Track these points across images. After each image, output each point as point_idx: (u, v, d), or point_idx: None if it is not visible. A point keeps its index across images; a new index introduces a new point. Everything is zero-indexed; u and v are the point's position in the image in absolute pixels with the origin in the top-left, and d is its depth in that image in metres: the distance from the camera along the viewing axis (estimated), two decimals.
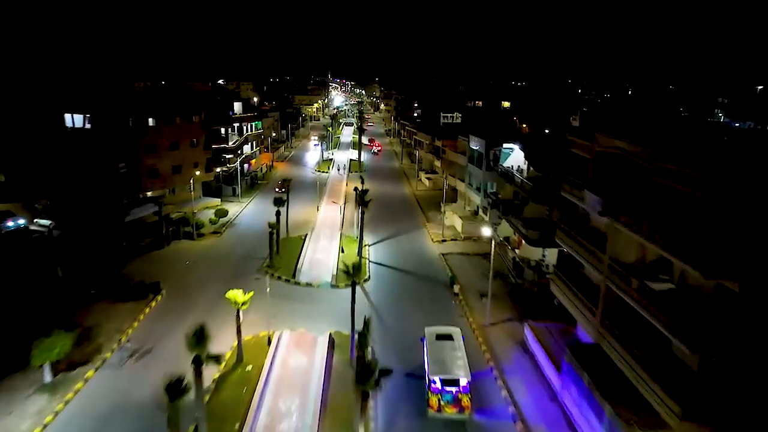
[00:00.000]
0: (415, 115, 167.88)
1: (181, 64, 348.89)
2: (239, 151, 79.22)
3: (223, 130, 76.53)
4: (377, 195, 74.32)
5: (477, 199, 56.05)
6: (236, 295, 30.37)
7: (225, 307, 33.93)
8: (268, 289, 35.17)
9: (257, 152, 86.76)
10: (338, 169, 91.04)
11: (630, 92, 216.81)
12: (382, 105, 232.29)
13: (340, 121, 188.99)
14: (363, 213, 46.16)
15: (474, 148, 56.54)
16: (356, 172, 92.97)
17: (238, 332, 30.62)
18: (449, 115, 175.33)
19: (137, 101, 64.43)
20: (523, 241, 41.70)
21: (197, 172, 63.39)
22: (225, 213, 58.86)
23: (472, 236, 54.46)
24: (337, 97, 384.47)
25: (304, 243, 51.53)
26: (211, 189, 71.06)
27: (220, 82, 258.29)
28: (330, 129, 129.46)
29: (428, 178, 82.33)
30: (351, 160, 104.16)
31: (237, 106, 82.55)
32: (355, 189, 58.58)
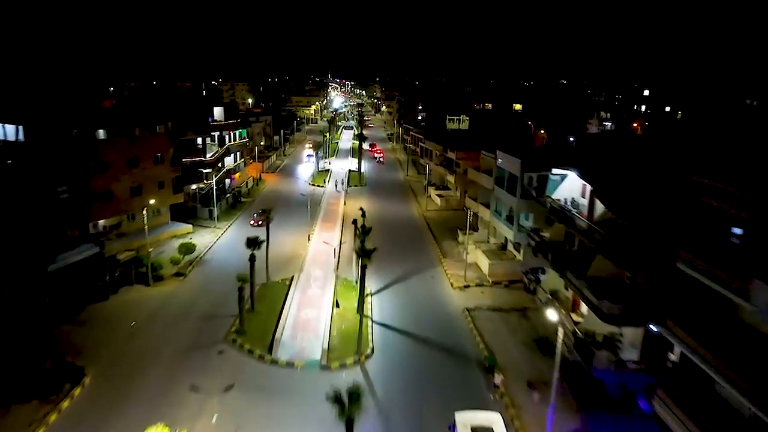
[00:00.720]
0: (420, 118, 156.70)
1: (176, 64, 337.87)
2: (219, 165, 67.92)
3: (200, 141, 65.16)
4: (381, 217, 63.00)
5: (507, 232, 44.62)
6: None
7: (172, 407, 22.93)
8: (214, 419, 24.15)
9: (242, 164, 75.33)
10: (336, 185, 79.20)
11: (646, 93, 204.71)
12: (384, 107, 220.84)
13: (339, 124, 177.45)
14: (364, 267, 34.43)
15: (503, 168, 45.12)
16: (356, 185, 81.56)
17: None
18: (455, 117, 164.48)
19: (89, 109, 53.06)
20: (584, 305, 30.37)
21: (163, 195, 52.03)
22: (192, 249, 47.36)
23: (502, 281, 43.11)
24: (337, 98, 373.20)
25: (288, 293, 40.09)
26: (186, 210, 59.71)
27: (215, 82, 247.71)
28: (327, 134, 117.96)
29: (439, 196, 70.90)
30: (350, 171, 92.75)
31: (218, 112, 71.15)
32: (354, 222, 47.32)
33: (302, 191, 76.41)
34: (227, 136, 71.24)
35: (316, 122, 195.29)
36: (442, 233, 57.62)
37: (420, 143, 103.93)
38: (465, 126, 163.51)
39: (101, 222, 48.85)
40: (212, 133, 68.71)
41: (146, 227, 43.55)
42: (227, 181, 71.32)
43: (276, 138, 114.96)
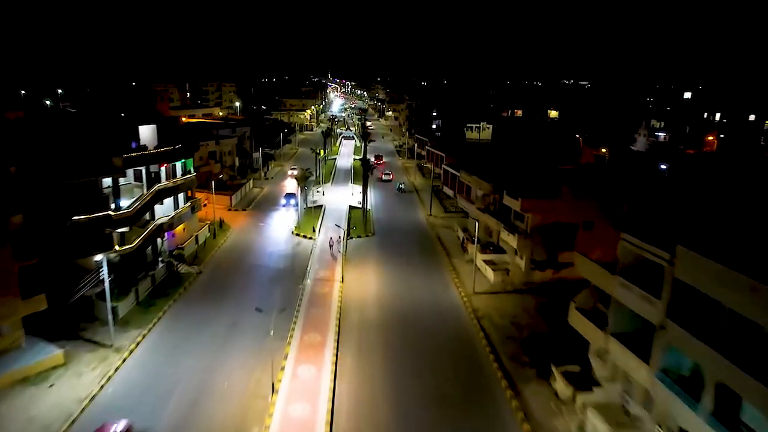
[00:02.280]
0: (434, 127, 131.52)
1: (165, 63, 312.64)
2: (147, 217, 42.99)
3: (108, 183, 40.23)
4: (400, 311, 37.66)
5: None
6: None
7: None
8: None
9: (189, 209, 50.14)
10: (330, 243, 52.29)
11: (687, 96, 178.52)
12: (389, 111, 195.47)
13: (338, 130, 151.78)
14: None
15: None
16: (360, 236, 56.31)
17: None
18: (475, 125, 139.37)
19: None
20: None
21: None
22: None
23: None
24: (336, 100, 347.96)
25: None
26: (74, 309, 34.59)
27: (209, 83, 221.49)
28: (321, 152, 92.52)
29: (491, 264, 45.67)
30: (351, 207, 67.55)
31: (146, 134, 46.08)
32: None
33: (279, 249, 51.15)
34: (162, 171, 46.16)
35: (312, 129, 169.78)
36: (516, 355, 32.50)
37: (442, 165, 78.81)
38: (486, 135, 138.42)
39: None
40: (136, 168, 43.73)
41: None
42: (161, 241, 46.28)
43: (258, 155, 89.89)
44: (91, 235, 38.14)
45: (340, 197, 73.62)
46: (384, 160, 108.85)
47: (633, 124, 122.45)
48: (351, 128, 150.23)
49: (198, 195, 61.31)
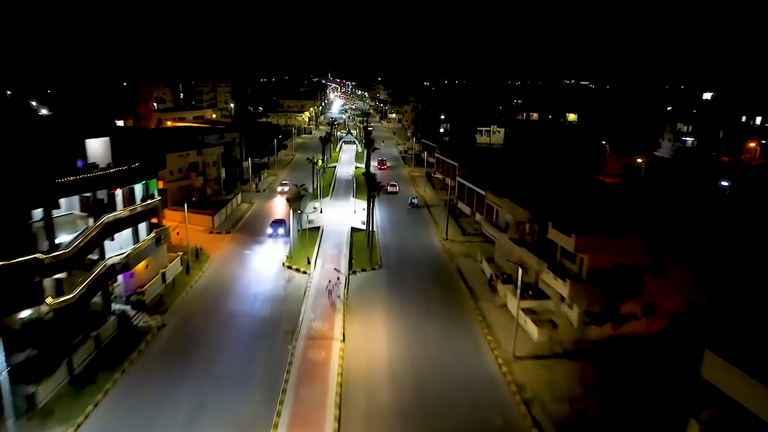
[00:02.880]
0: (442, 131, 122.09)
1: (161, 62, 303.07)
2: (92, 258, 33.56)
3: (39, 214, 30.83)
4: (418, 391, 27.27)
5: None
6: None
7: None
8: None
9: (152, 243, 40.53)
10: (329, 289, 41.01)
11: (707, 97, 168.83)
12: (393, 113, 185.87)
13: (338, 134, 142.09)
14: None
15: None
16: (364, 269, 46.71)
17: None
18: (485, 129, 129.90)
19: None
20: None
21: None
22: None
23: None
24: (337, 100, 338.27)
25: None
26: None
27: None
28: (319, 161, 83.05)
29: (530, 311, 36.10)
30: (354, 229, 58.03)
31: (96, 148, 36.54)
32: None
33: (265, 289, 41.34)
34: (119, 195, 36.62)
35: (310, 132, 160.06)
36: None
37: (458, 177, 69.50)
38: (497, 140, 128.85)
39: None
40: (80, 194, 34.24)
41: None
42: (115, 284, 36.83)
43: (248, 164, 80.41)
44: (12, 285, 28.79)
45: (341, 216, 64.08)
46: (388, 164, 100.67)
47: (656, 128, 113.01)
48: (352, 132, 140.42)
49: (173, 216, 52.29)
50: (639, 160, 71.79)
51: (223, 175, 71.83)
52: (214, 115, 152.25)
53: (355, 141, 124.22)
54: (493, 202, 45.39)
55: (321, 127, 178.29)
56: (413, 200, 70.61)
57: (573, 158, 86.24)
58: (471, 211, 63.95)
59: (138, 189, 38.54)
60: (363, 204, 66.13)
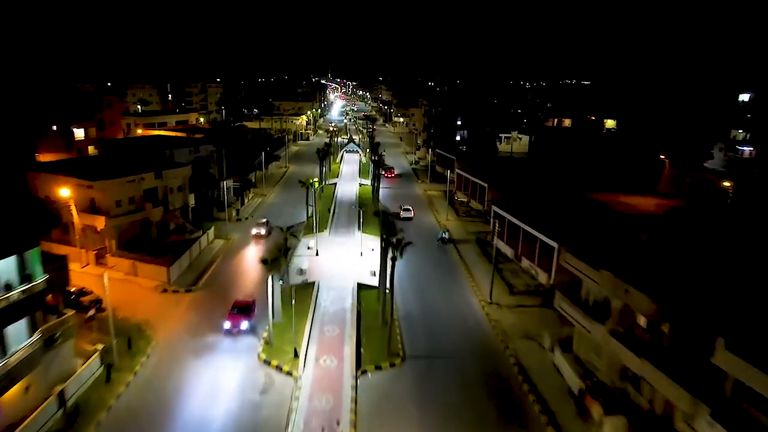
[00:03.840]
0: (458, 138, 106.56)
1: (154, 61, 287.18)
2: None
3: None
4: None
5: None
6: None
7: None
8: None
9: (44, 344, 25.04)
10: None
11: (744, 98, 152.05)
12: (399, 117, 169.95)
13: (338, 139, 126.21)
14: None
15: None
16: (377, 367, 31.16)
17: None
18: (505, 135, 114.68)
19: None
20: None
21: None
22: None
23: None
24: (337, 101, 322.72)
25: None
26: None
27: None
28: (316, 185, 67.55)
29: None
30: (360, 285, 42.31)
31: None
32: None
33: (227, 413, 25.58)
34: None
35: (308, 138, 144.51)
36: None
37: (493, 207, 54.45)
38: (519, 148, 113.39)
39: None
40: None
41: None
42: None
43: (229, 183, 64.90)
44: None
45: (343, 260, 48.42)
46: (396, 172, 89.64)
47: (709, 136, 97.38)
48: (354, 138, 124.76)
49: (119, 265, 36.61)
50: (727, 184, 56.16)
51: (192, 202, 56.33)
52: (202, 120, 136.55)
53: (359, 150, 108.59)
54: (575, 267, 29.83)
55: (320, 131, 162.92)
56: (443, 235, 54.98)
57: (622, 175, 70.95)
58: (515, 255, 48.45)
59: (7, 266, 23.07)
60: (371, 241, 50.75)
